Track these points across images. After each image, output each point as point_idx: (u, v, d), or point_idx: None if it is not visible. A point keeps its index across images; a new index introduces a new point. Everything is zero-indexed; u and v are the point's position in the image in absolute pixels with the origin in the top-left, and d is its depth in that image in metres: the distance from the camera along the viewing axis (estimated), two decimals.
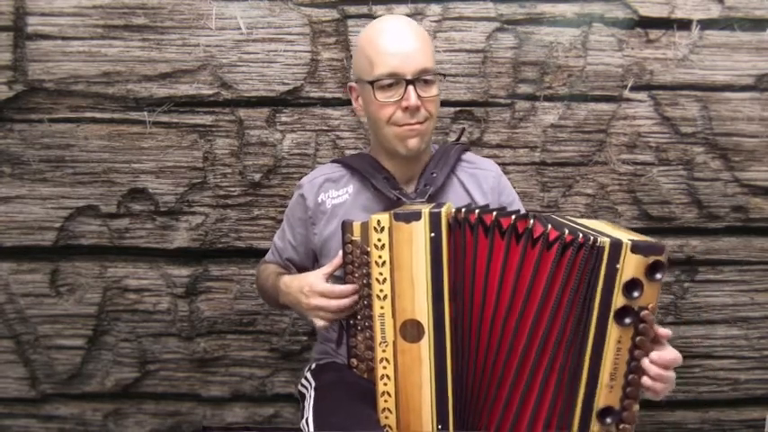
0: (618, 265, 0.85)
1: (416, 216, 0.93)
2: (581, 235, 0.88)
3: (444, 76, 1.14)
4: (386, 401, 0.97)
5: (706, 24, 1.53)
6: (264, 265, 1.31)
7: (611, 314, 0.86)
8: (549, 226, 0.91)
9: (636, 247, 0.84)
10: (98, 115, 1.55)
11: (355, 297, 1.00)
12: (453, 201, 1.11)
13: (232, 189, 1.58)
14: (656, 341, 0.89)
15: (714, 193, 1.58)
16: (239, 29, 1.52)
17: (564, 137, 1.57)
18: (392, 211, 0.95)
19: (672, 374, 0.88)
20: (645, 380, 0.87)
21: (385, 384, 0.97)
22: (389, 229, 0.95)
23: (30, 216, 1.59)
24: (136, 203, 1.59)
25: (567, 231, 0.89)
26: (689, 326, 1.63)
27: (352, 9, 1.53)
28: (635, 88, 1.55)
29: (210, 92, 1.54)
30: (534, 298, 0.92)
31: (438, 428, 0.95)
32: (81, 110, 1.55)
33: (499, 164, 1.54)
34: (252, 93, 1.55)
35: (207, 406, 1.69)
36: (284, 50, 1.53)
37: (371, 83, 1.08)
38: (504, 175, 1.30)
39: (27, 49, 1.52)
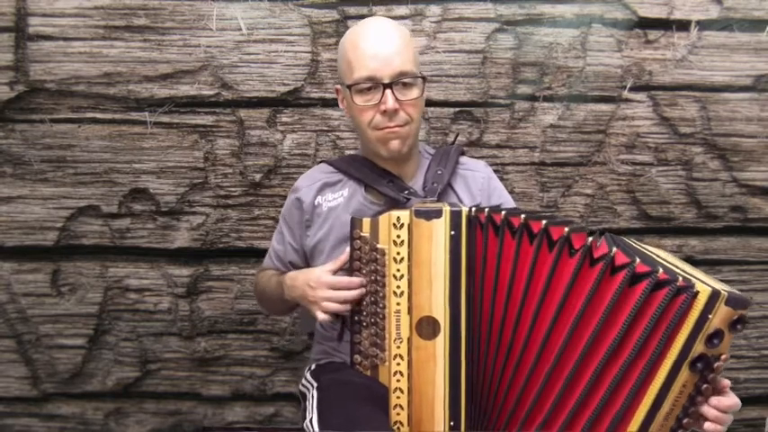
0: (710, 315, 0.83)
1: (437, 213, 0.93)
2: (661, 270, 0.85)
3: (425, 79, 1.12)
4: (398, 398, 0.98)
5: (705, 25, 1.54)
6: (263, 272, 1.31)
7: (688, 360, 0.85)
8: (615, 250, 0.89)
9: (730, 301, 0.83)
10: (99, 116, 1.56)
11: (363, 290, 1.01)
12: (444, 201, 1.11)
13: (233, 189, 1.59)
14: (718, 390, 0.88)
15: (713, 194, 1.59)
16: (240, 29, 1.53)
17: (563, 137, 1.57)
18: (413, 208, 0.95)
19: (730, 418, 0.87)
20: (706, 424, 0.87)
21: (398, 381, 0.97)
22: (409, 225, 0.95)
23: (31, 216, 1.59)
24: (137, 203, 1.60)
25: (638, 260, 0.87)
26: None
27: (352, 10, 1.53)
28: (634, 89, 1.56)
29: (211, 92, 1.55)
30: (574, 312, 0.90)
31: (450, 425, 0.95)
32: (82, 110, 1.55)
33: (498, 164, 1.56)
34: (252, 93, 1.55)
35: (207, 405, 1.70)
36: (285, 51, 1.54)
37: (350, 86, 1.09)
38: (503, 175, 1.29)
39: (28, 49, 1.53)
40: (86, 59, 1.53)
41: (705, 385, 0.85)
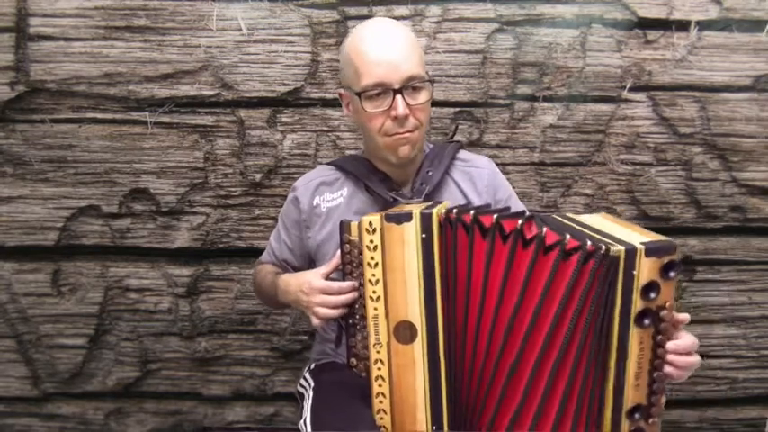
0: (634, 271, 0.85)
1: (407, 217, 0.93)
2: (590, 242, 0.87)
3: (433, 81, 1.12)
4: (381, 402, 0.98)
5: (704, 25, 1.54)
6: (261, 266, 1.31)
7: (632, 319, 0.86)
8: (545, 229, 0.90)
9: (649, 251, 0.84)
10: (100, 116, 1.56)
11: (355, 294, 1.01)
12: (449, 201, 1.11)
13: (233, 189, 1.59)
14: (676, 328, 0.90)
15: (712, 194, 1.59)
16: (240, 30, 1.53)
17: (563, 137, 1.58)
18: (383, 213, 0.95)
19: (694, 359, 0.90)
20: (670, 370, 0.89)
21: (380, 386, 0.97)
22: (381, 230, 0.95)
23: (32, 216, 1.59)
24: (137, 203, 1.60)
25: (568, 237, 0.88)
26: (687, 325, 1.63)
27: (352, 10, 1.53)
28: (633, 89, 1.56)
29: (211, 92, 1.55)
30: (533, 301, 0.90)
31: (433, 429, 0.95)
32: (83, 110, 1.56)
33: (498, 164, 1.55)
34: (253, 93, 1.55)
35: (208, 405, 1.70)
36: (285, 51, 1.54)
37: (359, 94, 1.07)
38: (502, 173, 1.29)
39: (29, 49, 1.53)
40: (87, 60, 1.53)
41: (660, 336, 0.87)
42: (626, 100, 1.57)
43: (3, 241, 1.61)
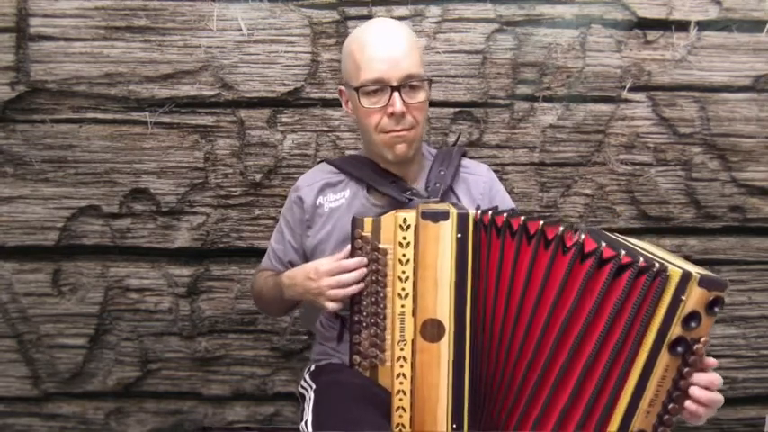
0: (683, 297, 0.84)
1: (444, 216, 0.94)
2: (642, 259, 0.86)
3: (431, 82, 1.14)
4: (401, 400, 0.98)
5: (704, 26, 1.54)
6: (259, 273, 1.31)
7: (666, 343, 0.86)
8: (604, 243, 0.90)
9: (702, 281, 0.84)
10: (100, 116, 1.56)
11: (364, 269, 1.01)
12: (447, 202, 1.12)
13: (233, 189, 1.59)
14: (702, 371, 0.88)
15: (712, 194, 1.59)
16: (240, 30, 1.53)
17: (563, 137, 1.58)
18: (420, 210, 0.95)
19: (718, 396, 0.87)
20: (693, 407, 0.86)
21: (401, 383, 0.98)
22: (416, 227, 0.95)
23: (32, 216, 1.60)
24: (137, 203, 1.60)
25: (623, 252, 0.87)
26: None
27: (352, 10, 1.54)
28: (633, 89, 1.56)
29: (212, 93, 1.55)
30: (565, 308, 0.90)
31: (453, 428, 0.95)
32: (83, 110, 1.56)
33: (498, 164, 1.56)
34: (253, 93, 1.56)
35: (208, 405, 1.70)
36: (285, 51, 1.54)
37: (357, 89, 1.08)
38: (502, 175, 1.30)
39: (30, 50, 1.53)
40: (87, 60, 1.53)
41: (687, 368, 0.86)
42: (626, 100, 1.57)
43: (3, 241, 1.61)
